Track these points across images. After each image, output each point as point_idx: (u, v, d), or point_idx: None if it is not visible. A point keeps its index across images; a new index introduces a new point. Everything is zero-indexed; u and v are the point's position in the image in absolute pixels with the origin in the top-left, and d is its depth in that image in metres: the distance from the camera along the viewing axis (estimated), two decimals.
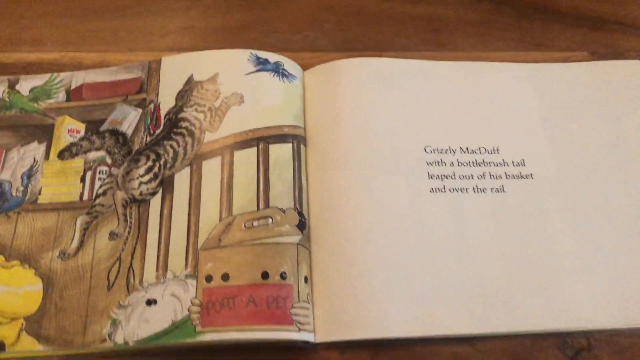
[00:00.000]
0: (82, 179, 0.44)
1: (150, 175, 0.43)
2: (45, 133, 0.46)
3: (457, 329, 0.39)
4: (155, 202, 0.42)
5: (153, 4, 0.56)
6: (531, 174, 0.45)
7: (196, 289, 0.39)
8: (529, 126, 0.47)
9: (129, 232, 0.42)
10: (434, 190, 0.44)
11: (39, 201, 0.43)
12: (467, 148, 0.46)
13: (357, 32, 0.55)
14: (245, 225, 0.40)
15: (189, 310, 0.38)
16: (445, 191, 0.44)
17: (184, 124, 0.45)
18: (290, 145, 0.44)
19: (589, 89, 0.49)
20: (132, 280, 0.40)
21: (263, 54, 0.47)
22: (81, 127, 0.47)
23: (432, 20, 0.56)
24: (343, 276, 0.40)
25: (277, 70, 0.47)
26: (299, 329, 0.38)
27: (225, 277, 0.39)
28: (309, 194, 0.43)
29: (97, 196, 0.43)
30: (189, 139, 0.44)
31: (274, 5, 0.56)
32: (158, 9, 0.55)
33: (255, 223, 0.40)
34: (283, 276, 0.39)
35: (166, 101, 0.46)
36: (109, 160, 0.45)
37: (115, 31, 0.53)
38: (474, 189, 0.44)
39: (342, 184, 0.43)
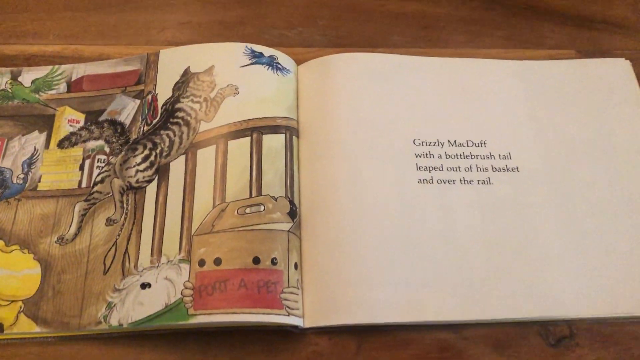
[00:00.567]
0: (81, 167, 0.45)
1: (147, 163, 0.44)
2: (46, 123, 0.47)
3: (443, 316, 0.40)
4: (151, 189, 0.43)
5: None
6: (517, 167, 0.46)
7: (189, 273, 0.39)
8: (516, 121, 0.48)
9: (125, 218, 0.43)
10: (422, 181, 0.45)
11: (38, 188, 0.44)
12: (454, 141, 0.47)
13: (350, 28, 0.55)
14: (238, 212, 0.41)
15: (182, 293, 0.39)
16: (433, 182, 0.45)
17: (180, 114, 0.46)
18: (282, 136, 0.45)
19: (575, 86, 0.50)
20: (127, 264, 0.41)
21: (258, 48, 0.48)
22: (81, 117, 0.48)
23: (424, 18, 0.56)
24: (332, 264, 0.41)
25: (272, 63, 0.48)
26: (289, 313, 0.39)
27: (218, 261, 0.39)
28: (300, 183, 0.44)
29: (95, 184, 0.44)
30: (184, 129, 0.45)
31: (270, 1, 0.57)
32: (157, 4, 0.56)
33: (248, 210, 0.41)
34: (274, 262, 0.40)
35: (163, 92, 0.47)
36: (107, 149, 0.46)
37: (116, 25, 0.54)
38: (461, 180, 0.45)
39: (333, 174, 0.44)
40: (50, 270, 0.41)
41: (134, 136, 0.46)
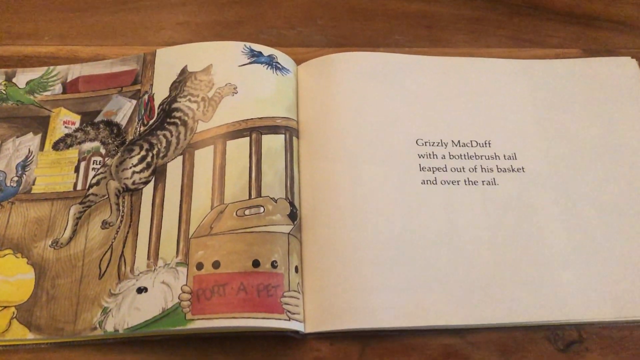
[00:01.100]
0: (76, 169, 0.45)
1: (143, 164, 0.44)
2: (40, 124, 0.47)
3: (447, 321, 0.39)
4: (148, 191, 0.43)
5: None
6: (522, 168, 0.45)
7: (187, 276, 0.39)
8: (521, 120, 0.48)
9: (121, 221, 0.42)
10: (426, 182, 0.44)
11: (32, 191, 0.44)
12: (458, 141, 0.46)
13: (350, 28, 0.55)
14: (236, 214, 0.40)
15: (179, 297, 0.38)
16: (436, 183, 0.44)
17: (178, 114, 0.45)
18: (282, 136, 0.44)
19: (580, 85, 0.50)
20: (123, 268, 0.40)
21: (257, 47, 0.47)
22: (76, 119, 0.47)
23: (426, 17, 0.56)
24: (333, 267, 0.40)
25: (271, 63, 0.47)
26: (289, 318, 0.38)
27: (216, 264, 0.39)
28: (300, 185, 0.44)
29: (91, 186, 0.44)
30: (182, 129, 0.44)
31: (269, 1, 0.57)
32: (154, 4, 0.56)
33: (247, 212, 0.40)
34: (274, 265, 0.39)
35: (160, 92, 0.47)
36: (103, 151, 0.45)
37: (112, 25, 0.54)
38: (465, 181, 0.44)
39: (334, 176, 0.43)
40: (44, 275, 0.41)
41: (130, 137, 0.46)
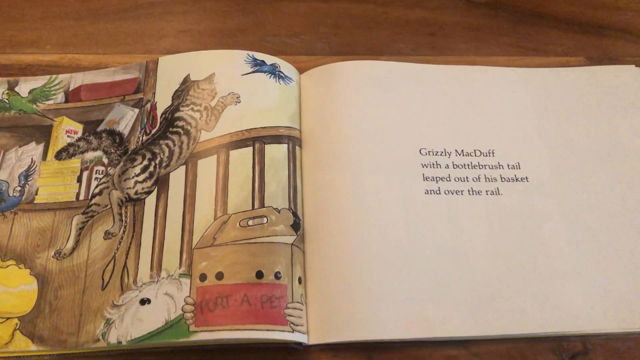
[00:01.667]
0: (79, 179, 0.45)
1: (146, 174, 0.43)
2: (43, 134, 0.47)
3: (452, 332, 0.39)
4: (151, 201, 0.42)
5: (151, 7, 0.56)
6: (526, 177, 0.45)
7: (190, 288, 0.38)
8: (525, 129, 0.47)
9: (123, 232, 0.42)
10: (429, 192, 0.44)
11: (35, 201, 0.44)
12: (462, 150, 0.46)
13: (353, 36, 0.55)
14: (240, 224, 0.40)
15: (182, 309, 0.38)
16: (440, 193, 0.44)
17: (180, 123, 0.45)
18: (285, 146, 0.44)
19: (584, 93, 0.50)
20: (126, 279, 0.40)
21: (260, 56, 0.47)
22: (79, 128, 0.47)
23: (429, 25, 0.56)
24: (337, 278, 0.40)
25: (274, 72, 0.47)
26: (293, 330, 0.38)
27: (220, 275, 0.38)
28: (303, 195, 0.43)
29: (93, 196, 0.44)
30: (184, 138, 0.44)
31: (271, 9, 0.57)
32: (156, 12, 0.56)
33: (250, 222, 0.40)
34: (277, 276, 0.39)
35: (163, 101, 0.46)
36: (105, 160, 0.45)
37: (114, 34, 0.54)
38: (469, 191, 0.44)
39: (337, 186, 0.43)
40: (47, 286, 0.40)
41: (132, 146, 0.45)
